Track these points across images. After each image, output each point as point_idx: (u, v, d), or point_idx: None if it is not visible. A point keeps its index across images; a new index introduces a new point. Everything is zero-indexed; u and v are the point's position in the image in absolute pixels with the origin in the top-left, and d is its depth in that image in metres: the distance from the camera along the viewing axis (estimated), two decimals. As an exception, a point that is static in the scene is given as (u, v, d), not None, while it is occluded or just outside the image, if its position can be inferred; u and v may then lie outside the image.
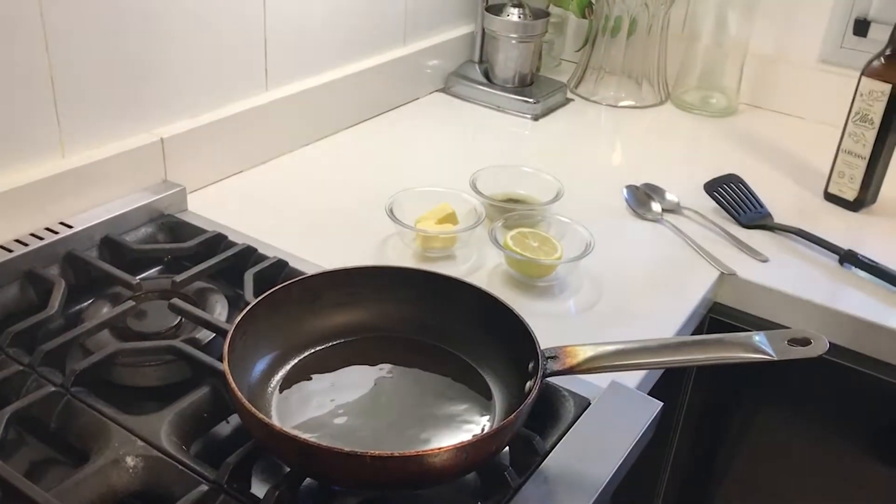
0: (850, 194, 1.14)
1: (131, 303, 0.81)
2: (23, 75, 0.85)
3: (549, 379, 0.67)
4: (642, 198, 1.12)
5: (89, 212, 0.93)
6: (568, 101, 1.48)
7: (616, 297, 0.93)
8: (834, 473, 1.05)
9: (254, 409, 0.58)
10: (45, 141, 0.90)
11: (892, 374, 0.94)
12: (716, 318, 1.01)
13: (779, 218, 1.10)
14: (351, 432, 0.65)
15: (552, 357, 0.66)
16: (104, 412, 0.68)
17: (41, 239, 0.88)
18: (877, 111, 1.09)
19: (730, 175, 1.15)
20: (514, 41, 1.40)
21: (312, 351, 0.74)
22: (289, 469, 0.61)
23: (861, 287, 0.98)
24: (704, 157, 1.33)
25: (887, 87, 1.07)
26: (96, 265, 0.86)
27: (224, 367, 0.62)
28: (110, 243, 0.91)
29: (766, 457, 1.09)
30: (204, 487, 0.61)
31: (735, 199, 1.12)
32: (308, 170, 1.17)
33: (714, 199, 1.12)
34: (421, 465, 0.57)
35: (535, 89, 1.43)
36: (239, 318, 0.68)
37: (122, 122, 0.97)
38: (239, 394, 0.59)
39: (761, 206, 1.12)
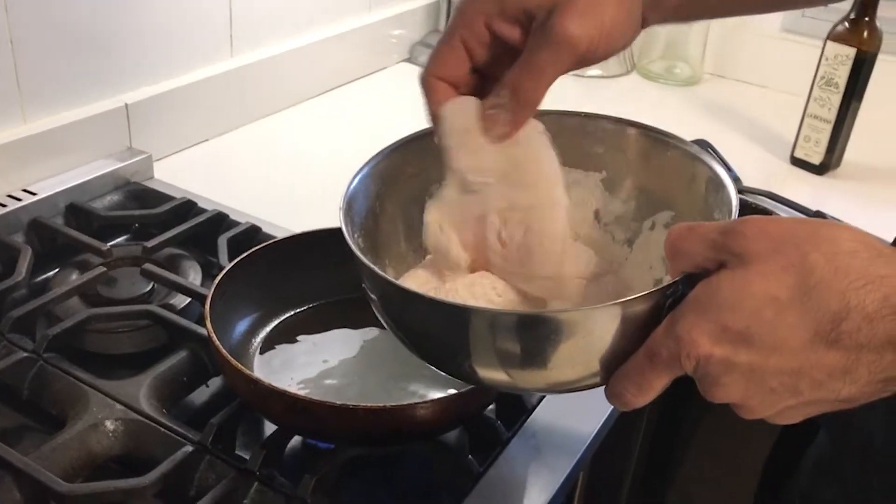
0: (816, 158, 1.16)
1: (102, 269, 0.78)
2: (-19, 36, 0.82)
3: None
4: (613, 163, 1.12)
5: (53, 178, 0.90)
6: (534, 71, 1.47)
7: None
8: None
9: (241, 367, 0.57)
10: (5, 106, 0.86)
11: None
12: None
13: (747, 182, 1.11)
14: (339, 390, 0.64)
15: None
16: (80, 377, 0.66)
17: (4, 206, 0.85)
18: (842, 75, 1.10)
19: (699, 140, 1.15)
20: (480, 10, 1.39)
21: (293, 312, 0.73)
22: (275, 428, 0.60)
23: (830, 247, 0.99)
24: (671, 124, 1.29)
25: (852, 51, 1.08)
26: (64, 232, 0.84)
27: (207, 325, 0.60)
28: (76, 210, 0.88)
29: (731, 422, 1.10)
30: (188, 448, 0.59)
31: (705, 164, 1.12)
32: (275, 138, 1.15)
33: (684, 164, 1.12)
34: (413, 417, 0.56)
35: (501, 59, 1.43)
36: (218, 278, 0.66)
37: (85, 88, 0.94)
38: (224, 352, 0.58)
39: (730, 170, 1.12)
